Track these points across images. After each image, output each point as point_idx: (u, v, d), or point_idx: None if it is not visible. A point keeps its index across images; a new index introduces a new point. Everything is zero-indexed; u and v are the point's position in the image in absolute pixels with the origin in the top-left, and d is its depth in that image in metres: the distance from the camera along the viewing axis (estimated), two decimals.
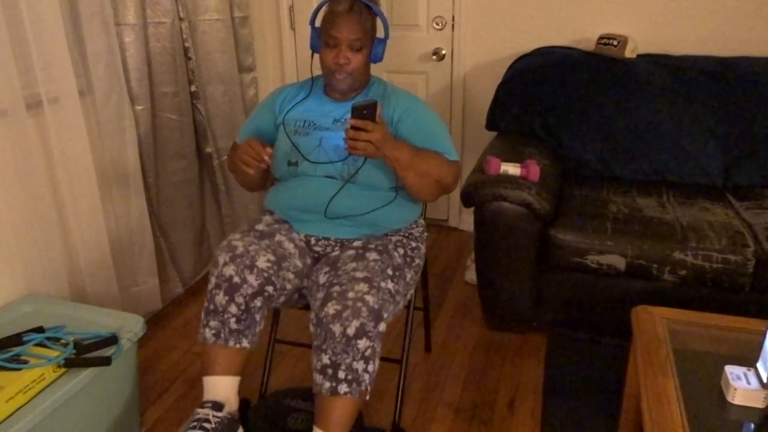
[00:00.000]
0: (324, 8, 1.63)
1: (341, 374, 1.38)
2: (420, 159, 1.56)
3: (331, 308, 1.38)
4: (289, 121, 1.69)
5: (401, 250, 1.63)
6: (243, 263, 1.46)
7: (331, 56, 1.59)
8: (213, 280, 1.48)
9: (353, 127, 1.45)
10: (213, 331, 1.49)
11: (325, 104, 1.69)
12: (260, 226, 1.61)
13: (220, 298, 1.47)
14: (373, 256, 1.53)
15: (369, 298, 1.38)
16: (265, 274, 1.48)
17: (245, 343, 1.50)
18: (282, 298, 1.57)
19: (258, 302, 1.49)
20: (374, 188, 1.62)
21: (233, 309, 1.47)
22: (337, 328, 1.36)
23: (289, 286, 1.56)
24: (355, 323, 1.35)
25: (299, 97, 1.73)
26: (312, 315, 1.45)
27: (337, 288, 1.42)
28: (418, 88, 3.05)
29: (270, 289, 1.50)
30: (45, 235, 1.82)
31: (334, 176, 1.60)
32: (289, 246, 1.58)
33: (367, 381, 1.40)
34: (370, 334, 1.37)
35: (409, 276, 1.61)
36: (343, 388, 1.38)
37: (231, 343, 1.49)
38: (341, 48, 1.58)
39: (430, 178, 1.58)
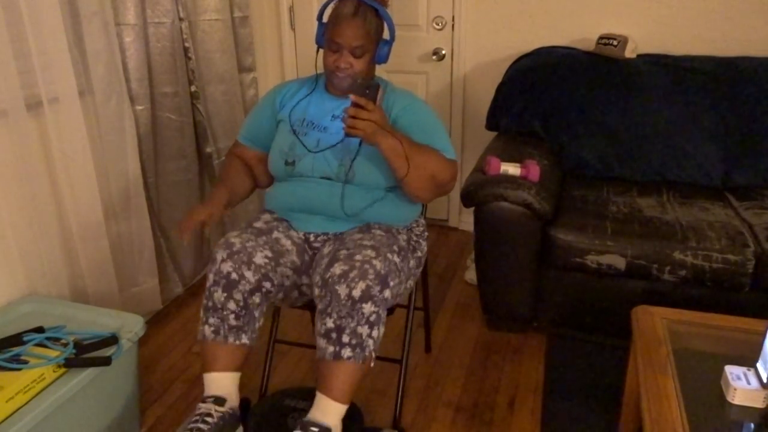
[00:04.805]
0: (331, 6, 1.62)
1: (345, 338, 1.37)
2: (416, 151, 1.52)
3: (337, 268, 1.37)
4: (289, 119, 1.69)
5: (405, 236, 1.64)
6: (240, 260, 1.47)
7: (332, 59, 1.58)
8: (211, 277, 1.48)
9: (354, 104, 1.42)
10: (212, 328, 1.49)
11: (326, 101, 1.68)
12: (258, 224, 1.62)
13: (219, 294, 1.47)
14: (378, 232, 1.54)
15: (376, 263, 1.38)
16: (263, 270, 1.48)
17: (245, 339, 1.50)
18: (280, 294, 1.57)
19: (256, 298, 1.49)
20: (371, 188, 1.61)
21: (232, 305, 1.47)
22: (342, 290, 1.35)
23: (287, 282, 1.56)
24: (361, 285, 1.35)
25: (300, 93, 1.72)
26: (317, 278, 1.44)
27: (344, 251, 1.41)
28: (418, 88, 3.05)
29: (268, 284, 1.50)
30: (45, 235, 1.81)
31: (331, 177, 1.60)
32: (287, 243, 1.58)
33: (371, 347, 1.40)
34: (376, 298, 1.37)
35: (412, 262, 1.61)
36: (346, 352, 1.37)
37: (230, 340, 1.49)
38: (343, 53, 1.57)
39: (425, 171, 1.54)
